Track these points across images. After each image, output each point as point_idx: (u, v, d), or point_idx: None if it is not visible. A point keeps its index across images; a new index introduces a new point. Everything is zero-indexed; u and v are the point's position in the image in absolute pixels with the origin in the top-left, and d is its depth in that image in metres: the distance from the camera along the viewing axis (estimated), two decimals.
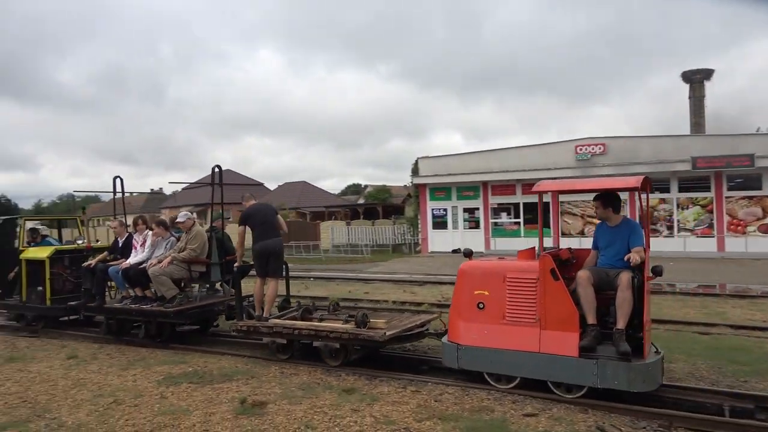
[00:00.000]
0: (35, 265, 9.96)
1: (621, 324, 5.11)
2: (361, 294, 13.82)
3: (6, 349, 8.32)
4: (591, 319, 5.25)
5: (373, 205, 44.80)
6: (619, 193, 5.96)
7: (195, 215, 10.27)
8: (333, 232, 31.72)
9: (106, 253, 9.67)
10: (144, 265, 8.57)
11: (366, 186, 67.03)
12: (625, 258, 5.17)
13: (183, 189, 67.22)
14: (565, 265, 5.78)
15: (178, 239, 8.77)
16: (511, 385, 5.69)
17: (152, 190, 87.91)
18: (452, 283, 13.61)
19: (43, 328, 10.07)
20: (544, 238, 5.74)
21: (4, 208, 48.78)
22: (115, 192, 10.54)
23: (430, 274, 17.69)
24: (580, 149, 23.43)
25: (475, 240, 24.19)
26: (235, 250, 8.38)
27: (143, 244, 9.06)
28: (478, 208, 25.54)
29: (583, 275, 5.30)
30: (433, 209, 26.61)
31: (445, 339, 6.17)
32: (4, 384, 6.43)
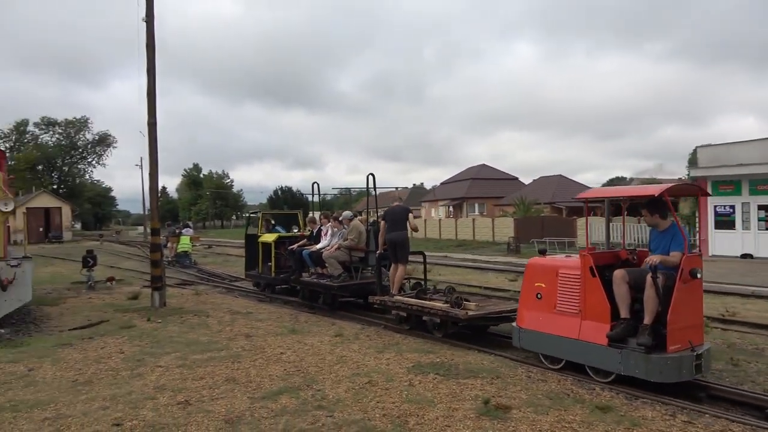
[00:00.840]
0: (267, 246, 13.37)
1: (647, 320, 5.66)
2: None
3: (290, 322, 9.67)
4: (623, 314, 5.86)
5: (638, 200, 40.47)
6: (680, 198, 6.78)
7: (359, 214, 13.38)
8: (591, 229, 29.62)
9: (306, 239, 12.67)
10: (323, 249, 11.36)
11: (631, 179, 61.26)
12: (645, 260, 5.81)
13: (441, 184, 70.65)
14: (627, 264, 6.44)
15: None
16: (558, 366, 6.60)
17: (414, 184, 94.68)
18: (738, 294, 11.56)
19: (272, 293, 13.56)
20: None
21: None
22: (313, 194, 14.26)
23: (710, 282, 15.11)
24: None
25: None
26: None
27: (326, 234, 11.80)
28: None
29: (617, 274, 5.90)
30: (716, 206, 22.71)
31: (514, 323, 7.20)
32: (285, 352, 7.44)
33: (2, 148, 11.70)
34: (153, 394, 5.67)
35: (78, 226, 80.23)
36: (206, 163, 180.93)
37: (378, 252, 10.03)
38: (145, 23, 11.99)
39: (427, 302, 8.77)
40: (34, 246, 41.39)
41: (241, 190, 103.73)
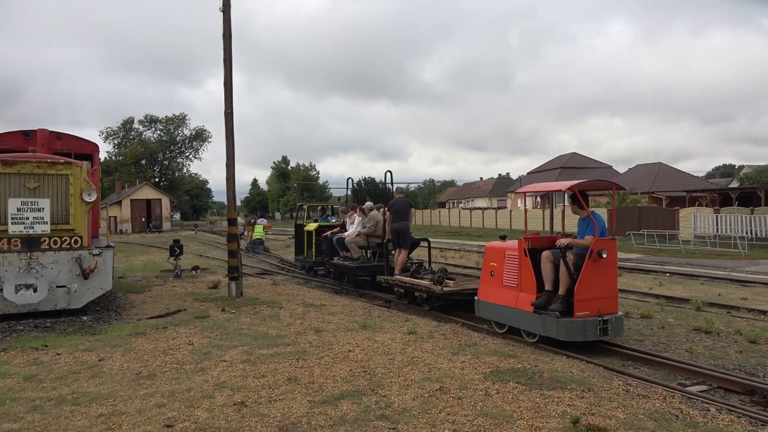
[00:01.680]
0: (309, 234, 15.40)
1: (561, 291, 7.05)
2: (736, 300, 11.04)
3: (363, 317, 9.21)
4: (547, 286, 7.20)
5: (751, 189, 36.74)
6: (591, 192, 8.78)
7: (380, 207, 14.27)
8: (696, 221, 27.05)
9: (338, 228, 14.35)
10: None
11: (741, 167, 56.09)
12: (556, 242, 7.30)
13: (528, 174, 68.19)
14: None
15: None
16: (503, 331, 8.04)
17: (500, 174, 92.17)
18: None
19: (314, 275, 15.36)
20: None
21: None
22: (347, 188, 16.62)
23: None
24: None
25: None
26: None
27: (353, 223, 13.70)
28: None
29: (544, 255, 7.23)
30: None
31: (476, 297, 8.52)
32: (354, 350, 6.97)
33: (95, 143, 12.08)
34: (211, 392, 5.39)
35: (177, 216, 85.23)
36: (294, 155, 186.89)
37: (386, 239, 11.52)
38: (222, 13, 11.98)
39: (416, 280, 10.29)
40: (136, 235, 44.26)
41: (327, 181, 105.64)
